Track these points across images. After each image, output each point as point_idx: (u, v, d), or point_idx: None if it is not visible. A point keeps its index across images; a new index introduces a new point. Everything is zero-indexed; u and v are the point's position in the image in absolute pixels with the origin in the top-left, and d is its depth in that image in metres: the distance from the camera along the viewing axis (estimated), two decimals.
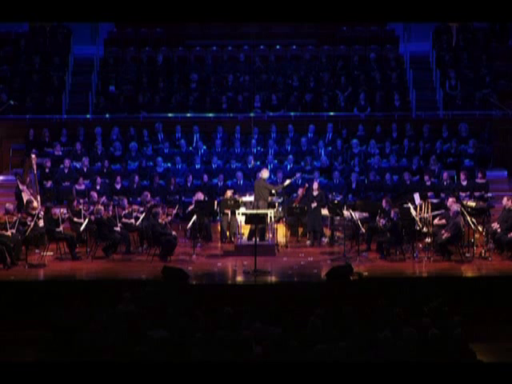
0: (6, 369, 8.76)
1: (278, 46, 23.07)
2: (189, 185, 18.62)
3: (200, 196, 17.24)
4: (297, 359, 9.28)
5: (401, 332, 9.94)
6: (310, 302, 12.32)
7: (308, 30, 23.44)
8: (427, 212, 16.25)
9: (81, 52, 22.76)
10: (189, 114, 20.88)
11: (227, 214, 17.05)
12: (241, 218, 16.50)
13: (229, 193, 17.34)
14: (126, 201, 17.10)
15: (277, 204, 16.99)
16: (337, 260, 15.54)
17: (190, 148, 20.09)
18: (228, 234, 17.32)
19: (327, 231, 17.31)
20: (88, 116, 21.11)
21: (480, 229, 15.79)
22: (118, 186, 18.42)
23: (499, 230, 15.70)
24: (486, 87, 21.32)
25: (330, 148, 19.95)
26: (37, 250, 16.05)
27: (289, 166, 19.26)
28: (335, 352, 9.32)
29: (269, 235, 16.75)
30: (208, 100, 21.16)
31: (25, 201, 16.76)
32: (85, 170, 19.06)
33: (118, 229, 16.08)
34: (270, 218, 16.34)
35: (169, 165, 19.54)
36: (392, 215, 15.75)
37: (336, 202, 16.91)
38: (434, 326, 10.26)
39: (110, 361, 9.39)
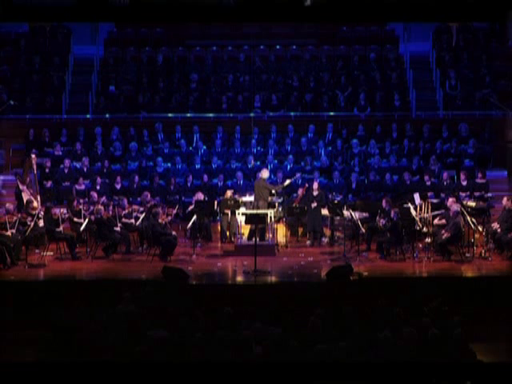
0: (6, 369, 8.76)
1: (278, 46, 23.04)
2: (189, 185, 18.62)
3: (200, 196, 17.24)
4: (297, 359, 9.27)
5: (401, 332, 9.94)
6: (310, 302, 12.29)
7: (308, 30, 23.43)
8: (427, 212, 16.25)
9: (81, 52, 22.72)
10: (189, 114, 20.88)
11: (227, 214, 17.05)
12: (241, 218, 16.50)
13: (229, 193, 17.34)
14: (125, 201, 17.11)
15: (277, 204, 17.00)
16: (337, 260, 15.54)
17: (190, 148, 20.09)
18: (228, 233, 17.31)
19: (327, 231, 17.30)
20: (88, 116, 21.10)
21: (480, 229, 15.78)
22: (118, 186, 18.41)
23: (499, 230, 15.70)
24: (486, 87, 21.30)
25: (330, 148, 19.95)
26: (37, 250, 16.04)
27: (289, 166, 19.26)
28: (335, 352, 9.32)
29: (269, 235, 16.74)
30: (208, 100, 21.15)
31: (25, 201, 16.75)
32: (85, 169, 19.05)
33: (118, 229, 16.07)
34: (270, 217, 16.34)
35: (169, 165, 19.54)
36: (392, 215, 15.74)
37: (336, 202, 16.90)
38: (434, 325, 10.26)
39: (110, 361, 9.39)
